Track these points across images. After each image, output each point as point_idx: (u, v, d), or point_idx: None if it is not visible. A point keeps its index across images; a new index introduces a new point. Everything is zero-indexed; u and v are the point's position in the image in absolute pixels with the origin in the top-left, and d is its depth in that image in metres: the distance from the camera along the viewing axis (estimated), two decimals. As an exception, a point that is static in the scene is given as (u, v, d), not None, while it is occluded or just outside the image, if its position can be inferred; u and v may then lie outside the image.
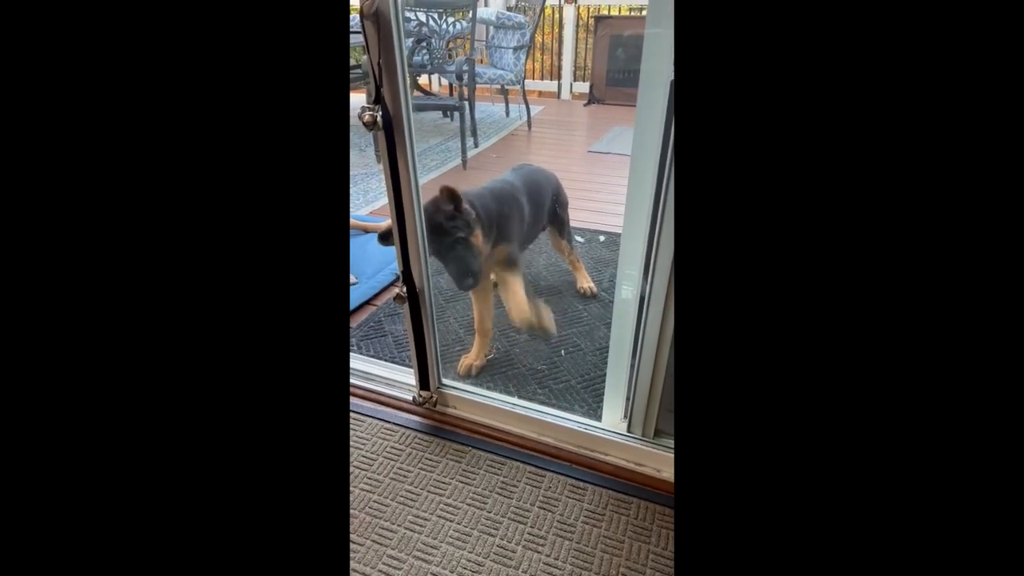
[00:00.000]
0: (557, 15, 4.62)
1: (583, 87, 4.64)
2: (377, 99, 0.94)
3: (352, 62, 4.75)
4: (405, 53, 0.93)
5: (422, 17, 3.28)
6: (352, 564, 0.96)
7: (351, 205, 2.51)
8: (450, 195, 1.22)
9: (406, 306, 1.16)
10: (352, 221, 2.17)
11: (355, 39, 3.44)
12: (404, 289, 1.13)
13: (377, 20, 0.88)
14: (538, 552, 0.98)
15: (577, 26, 4.58)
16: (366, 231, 2.15)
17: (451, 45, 3.53)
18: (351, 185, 2.76)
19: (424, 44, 3.31)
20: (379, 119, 0.94)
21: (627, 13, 4.48)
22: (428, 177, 2.86)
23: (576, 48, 4.64)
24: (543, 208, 1.62)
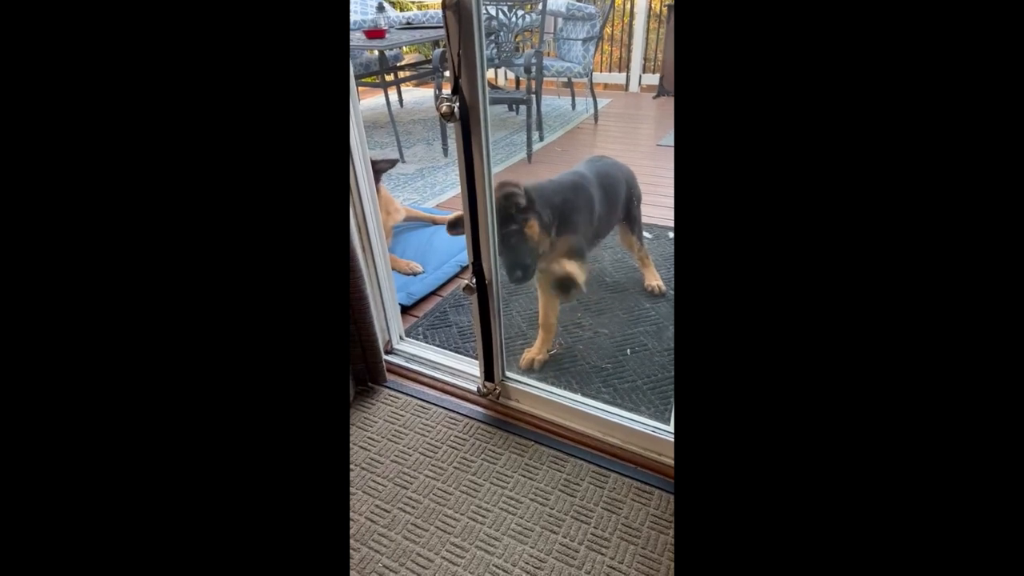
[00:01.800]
0: (628, 5, 4.48)
1: (652, 79, 4.49)
2: (455, 90, 0.94)
3: (421, 57, 4.86)
4: (484, 45, 0.93)
5: (491, 10, 3.29)
6: (416, 548, 0.98)
7: (419, 197, 2.57)
8: (507, 195, 1.22)
9: (474, 297, 1.17)
10: (419, 213, 2.22)
11: (424, 34, 3.46)
12: (473, 280, 1.14)
13: (458, 11, 0.88)
14: (602, 554, 0.96)
15: (648, 16, 4.43)
16: (434, 222, 2.19)
17: (519, 38, 3.52)
18: (419, 178, 2.83)
19: (492, 37, 3.32)
20: (456, 110, 0.94)
21: (703, 0, 4.27)
22: (494, 171, 2.86)
23: (646, 39, 4.49)
24: (617, 203, 1.57)
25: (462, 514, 1.04)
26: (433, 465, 1.15)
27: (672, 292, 1.72)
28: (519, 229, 1.25)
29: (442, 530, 1.01)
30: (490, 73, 4.80)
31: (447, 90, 0.96)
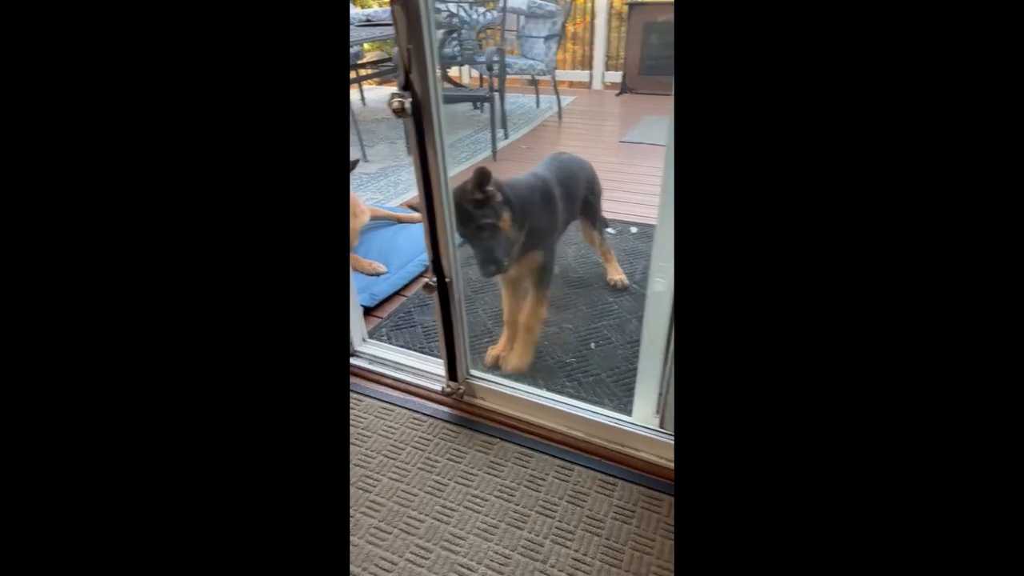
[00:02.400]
0: (589, 3, 4.53)
1: (615, 77, 4.55)
2: (406, 86, 0.92)
3: (383, 55, 4.78)
4: (435, 40, 0.92)
5: (452, 7, 3.26)
6: (380, 552, 0.97)
7: (382, 196, 2.53)
8: (479, 177, 1.20)
9: (435, 296, 1.16)
10: (384, 211, 2.19)
11: (385, 31, 3.42)
12: (434, 279, 1.12)
13: (406, 5, 0.86)
14: (566, 547, 0.97)
15: (610, 14, 4.49)
16: (398, 221, 2.16)
17: (481, 36, 3.50)
18: (382, 177, 2.79)
19: (455, 35, 3.30)
20: (407, 106, 0.93)
21: (662, -1, 4.35)
22: (458, 169, 2.85)
23: (608, 37, 4.54)
24: (576, 199, 1.58)
25: (426, 515, 1.03)
26: (396, 467, 1.14)
27: (635, 286, 1.75)
28: (492, 223, 1.23)
29: (406, 532, 1.00)
30: (454, 71, 4.77)
31: (400, 86, 0.94)
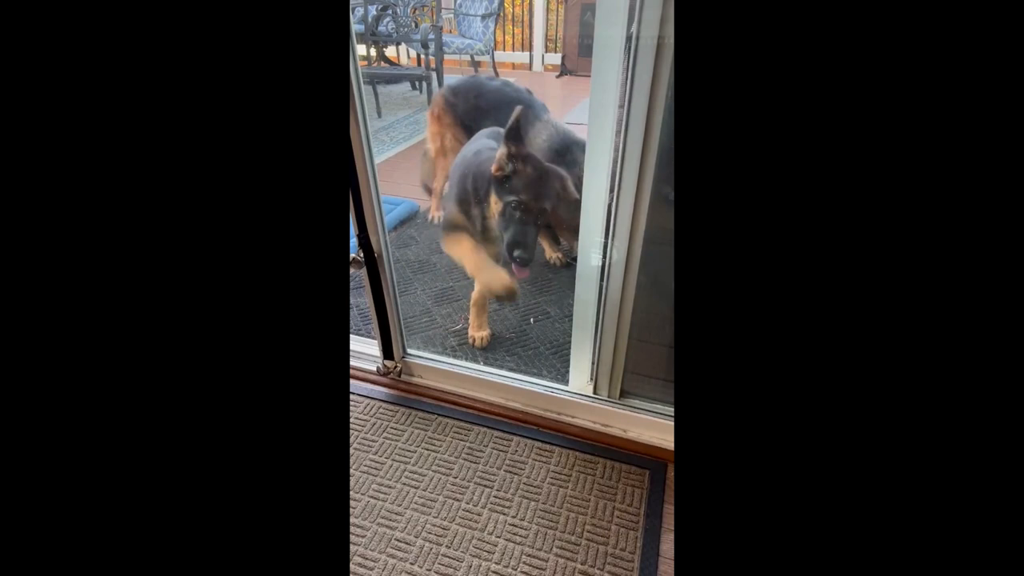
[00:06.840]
0: (527, -16, 4.49)
1: (555, 59, 4.56)
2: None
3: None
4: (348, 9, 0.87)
5: (385, -17, 3.15)
6: (314, 534, 0.94)
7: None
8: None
9: (364, 272, 1.12)
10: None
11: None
12: (361, 254, 1.09)
13: None
14: (504, 514, 0.97)
15: (547, -4, 4.48)
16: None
17: (416, 12, 3.40)
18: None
19: (389, 12, 3.19)
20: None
21: (598, -19, 4.38)
22: (396, 149, 2.78)
23: (547, 18, 4.54)
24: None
25: (363, 494, 1.01)
26: (331, 449, 1.10)
27: (572, 262, 1.77)
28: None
29: (341, 513, 0.98)
30: (392, 52, 4.63)
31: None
